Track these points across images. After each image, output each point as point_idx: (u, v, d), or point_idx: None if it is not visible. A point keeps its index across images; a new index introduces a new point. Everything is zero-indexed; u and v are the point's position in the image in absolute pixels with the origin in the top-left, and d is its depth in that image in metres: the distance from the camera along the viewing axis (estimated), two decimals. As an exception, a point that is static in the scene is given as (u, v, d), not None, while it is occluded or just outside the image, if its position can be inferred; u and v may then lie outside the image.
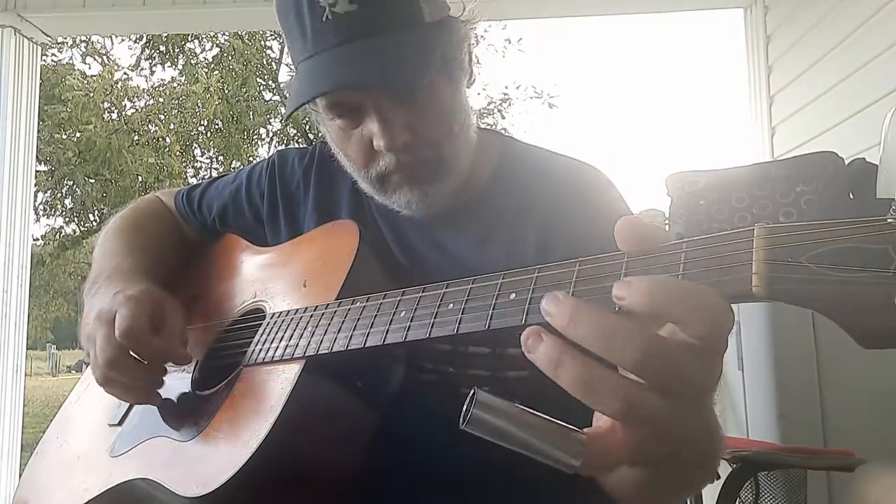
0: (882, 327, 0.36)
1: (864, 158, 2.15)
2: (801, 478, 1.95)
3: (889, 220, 0.37)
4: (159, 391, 0.83)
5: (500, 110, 11.34)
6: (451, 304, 0.59)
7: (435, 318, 0.59)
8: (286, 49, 0.87)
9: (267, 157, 1.05)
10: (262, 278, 0.91)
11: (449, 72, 0.82)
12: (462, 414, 0.41)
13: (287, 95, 0.87)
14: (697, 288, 0.39)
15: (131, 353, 0.79)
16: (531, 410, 0.41)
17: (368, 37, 0.75)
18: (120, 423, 0.90)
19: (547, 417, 0.40)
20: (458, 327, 0.57)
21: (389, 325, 0.63)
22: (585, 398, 0.39)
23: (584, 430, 0.41)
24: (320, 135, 0.90)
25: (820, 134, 2.83)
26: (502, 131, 1.00)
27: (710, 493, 1.93)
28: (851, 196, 2.04)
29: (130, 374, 0.80)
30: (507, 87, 11.29)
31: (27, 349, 3.89)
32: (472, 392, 0.41)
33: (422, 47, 0.77)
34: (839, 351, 2.07)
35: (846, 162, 2.11)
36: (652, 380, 0.38)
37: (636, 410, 0.38)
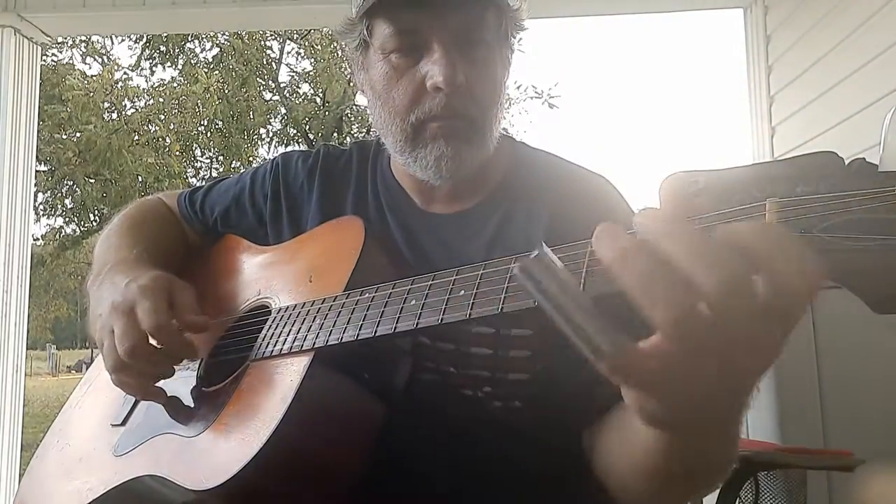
0: (894, 292, 0.38)
1: (864, 158, 2.15)
2: (801, 478, 1.95)
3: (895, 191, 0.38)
4: (164, 389, 0.83)
5: (500, 110, 11.32)
6: (463, 291, 0.59)
7: (447, 303, 0.59)
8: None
9: (271, 159, 1.05)
10: (267, 276, 0.91)
11: (504, 49, 0.85)
12: (519, 261, 0.38)
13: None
14: (801, 247, 0.37)
15: (152, 342, 0.79)
16: (583, 294, 0.38)
17: None
18: (123, 423, 0.90)
19: (598, 306, 0.38)
20: (470, 312, 0.57)
21: (400, 313, 0.63)
22: (643, 296, 0.37)
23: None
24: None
25: (820, 134, 2.83)
26: (505, 132, 0.99)
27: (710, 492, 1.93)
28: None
29: (149, 362, 0.80)
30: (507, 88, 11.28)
31: (27, 349, 3.89)
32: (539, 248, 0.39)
33: (502, 4, 0.81)
34: (839, 351, 2.07)
35: (846, 162, 2.11)
36: (722, 315, 0.36)
37: (686, 325, 0.36)
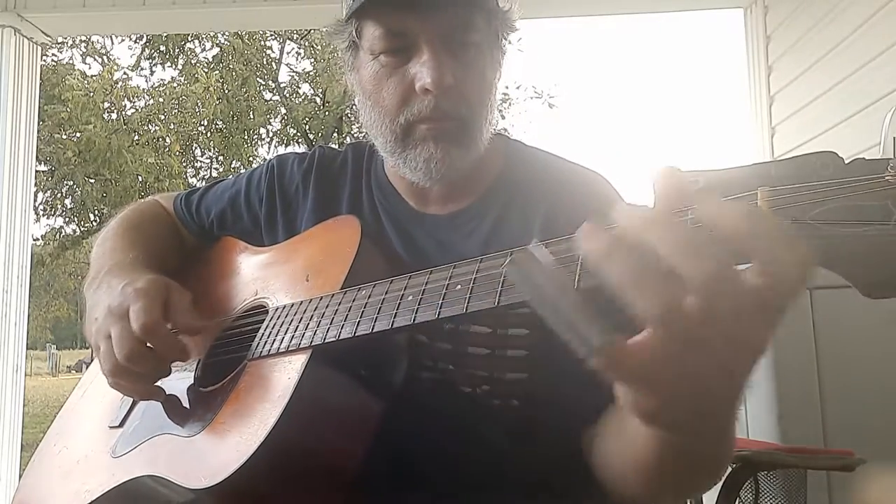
0: (885, 277, 0.39)
1: (864, 158, 2.16)
2: (801, 478, 1.95)
3: (887, 178, 0.39)
4: (163, 388, 0.83)
5: (500, 110, 11.30)
6: (459, 286, 0.59)
7: (443, 298, 0.60)
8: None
9: (266, 161, 1.05)
10: (263, 276, 0.91)
11: (495, 50, 0.84)
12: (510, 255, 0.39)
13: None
14: (790, 236, 0.37)
15: (147, 345, 0.79)
16: (571, 287, 0.39)
17: None
18: (121, 425, 0.90)
19: (585, 298, 0.39)
20: (467, 306, 0.57)
21: (397, 309, 0.63)
22: (629, 290, 0.37)
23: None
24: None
25: (820, 134, 2.83)
26: (505, 132, 1.00)
27: (710, 492, 1.93)
28: (851, 196, 2.04)
29: (145, 366, 0.80)
30: (507, 87, 11.29)
31: (27, 349, 3.89)
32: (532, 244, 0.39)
33: (493, 4, 0.82)
34: (839, 351, 2.07)
35: (846, 162, 2.11)
36: (711, 307, 0.36)
37: (674, 319, 0.36)
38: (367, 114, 0.85)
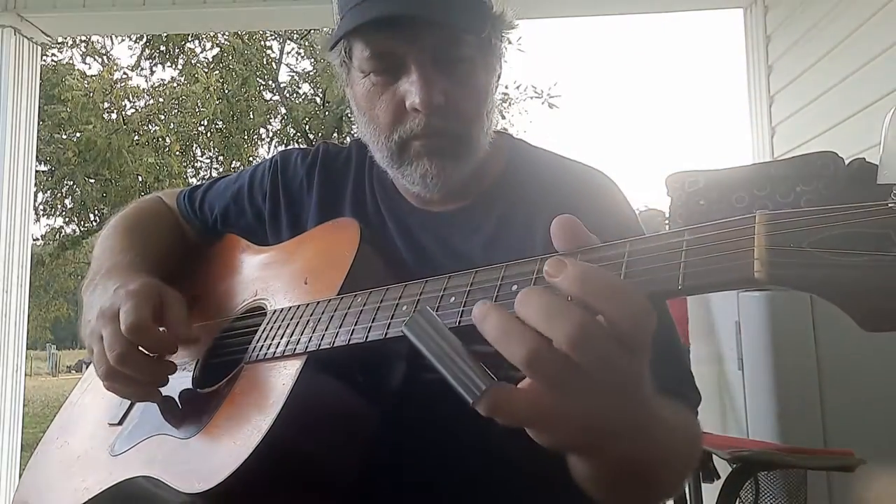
0: (883, 310, 0.37)
1: (864, 158, 2.15)
2: (801, 478, 1.95)
3: (889, 205, 0.37)
4: (161, 389, 0.83)
5: (500, 110, 11.29)
6: (454, 298, 0.59)
7: (437, 311, 0.60)
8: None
9: (269, 157, 1.05)
10: (263, 277, 0.91)
11: (488, 57, 0.84)
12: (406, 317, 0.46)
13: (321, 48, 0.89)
14: (625, 286, 0.43)
15: (139, 348, 0.79)
16: (461, 344, 0.45)
17: None
18: (120, 423, 0.90)
19: (472, 353, 0.45)
20: (460, 320, 0.57)
21: (391, 318, 0.64)
22: (497, 344, 0.44)
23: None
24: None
25: (820, 134, 2.83)
26: (505, 132, 1.00)
27: (710, 492, 1.93)
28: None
29: (139, 369, 0.79)
30: (507, 87, 11.28)
31: (27, 349, 3.89)
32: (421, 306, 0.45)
33: (481, 10, 0.81)
34: (839, 351, 2.07)
35: (846, 162, 2.11)
36: (580, 357, 0.42)
37: (540, 363, 0.43)
38: (362, 128, 0.86)
